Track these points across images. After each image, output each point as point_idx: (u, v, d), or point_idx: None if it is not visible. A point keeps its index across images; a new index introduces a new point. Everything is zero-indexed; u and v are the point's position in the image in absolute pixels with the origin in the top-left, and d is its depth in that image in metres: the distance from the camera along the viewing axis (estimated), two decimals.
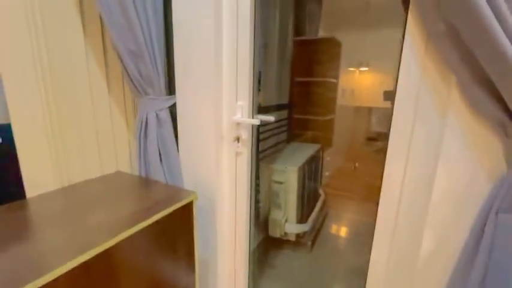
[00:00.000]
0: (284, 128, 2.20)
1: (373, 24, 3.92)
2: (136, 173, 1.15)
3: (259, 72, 1.81)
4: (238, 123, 1.01)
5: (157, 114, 1.06)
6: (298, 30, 2.49)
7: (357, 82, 4.26)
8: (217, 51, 0.94)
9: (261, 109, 1.78)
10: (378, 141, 3.22)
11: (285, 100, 2.17)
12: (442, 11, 0.60)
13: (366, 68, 4.20)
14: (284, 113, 2.18)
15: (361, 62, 4.21)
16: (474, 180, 0.69)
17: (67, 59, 0.96)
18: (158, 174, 1.09)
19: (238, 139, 1.03)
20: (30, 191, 0.89)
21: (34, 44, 0.88)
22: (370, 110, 3.93)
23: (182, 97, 1.05)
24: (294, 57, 2.31)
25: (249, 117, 1.00)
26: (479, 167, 0.68)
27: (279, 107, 2.04)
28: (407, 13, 0.75)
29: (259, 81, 2.13)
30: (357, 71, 4.26)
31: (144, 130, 1.07)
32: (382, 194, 0.83)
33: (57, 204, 0.83)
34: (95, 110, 1.07)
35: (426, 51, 0.71)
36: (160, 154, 1.08)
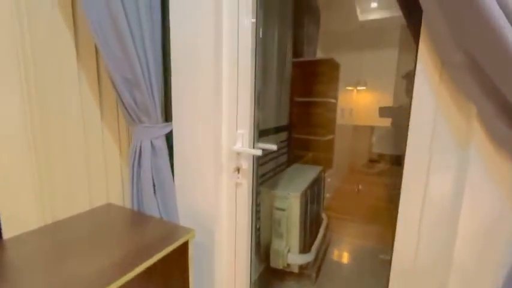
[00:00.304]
0: (284, 150, 2.14)
1: (368, 45, 4.01)
2: (129, 204, 1.07)
3: (258, 94, 1.77)
4: (238, 153, 0.94)
5: (152, 143, 0.99)
6: (296, 51, 2.50)
7: (355, 101, 4.27)
8: (216, 78, 0.90)
9: (260, 132, 1.73)
10: (380, 163, 3.16)
11: (284, 122, 2.12)
12: (461, 41, 0.56)
13: (364, 87, 4.23)
14: (284, 135, 2.13)
15: (359, 81, 4.26)
16: (503, 218, 0.62)
17: (57, 83, 0.90)
18: (151, 207, 1.01)
19: (238, 170, 0.96)
20: (7, 230, 0.80)
21: (22, 68, 0.82)
22: (369, 129, 3.91)
23: (179, 125, 1.00)
24: (293, 79, 2.30)
25: (250, 147, 0.93)
26: (508, 204, 0.61)
27: (278, 129, 2.00)
28: (416, 38, 0.71)
29: (258, 103, 2.10)
30: (355, 90, 4.29)
31: (137, 159, 1.00)
32: (397, 237, 0.75)
33: (38, 247, 0.74)
34: (86, 136, 1.00)
35: (441, 80, 0.66)
36: (154, 185, 1.01)
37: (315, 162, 2.60)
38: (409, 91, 0.74)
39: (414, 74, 0.70)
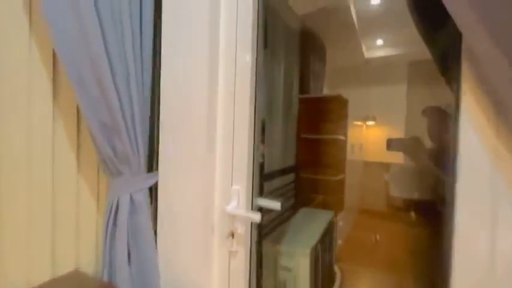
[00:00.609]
0: (290, 193, 1.94)
1: (375, 81, 3.97)
2: (100, 272, 0.88)
3: (263, 131, 1.64)
4: (233, 216, 0.77)
5: (131, 197, 0.83)
6: (303, 88, 2.42)
7: (365, 136, 4.11)
8: (209, 125, 0.76)
9: (264, 176, 1.57)
10: (398, 208, 2.87)
11: (291, 162, 1.96)
12: None
13: (373, 122, 4.10)
14: (291, 177, 1.95)
15: (367, 116, 4.14)
16: None
17: (25, 123, 0.77)
18: (124, 278, 0.82)
19: (232, 234, 0.78)
20: None
21: None
22: (381, 166, 3.68)
23: (166, 176, 0.84)
24: (300, 116, 2.19)
25: (247, 206, 0.76)
26: None
27: (285, 171, 1.82)
28: (447, 72, 0.57)
29: (263, 142, 1.96)
30: (364, 125, 4.16)
31: (113, 217, 0.83)
32: None
33: None
34: (56, 187, 0.85)
35: (492, 114, 0.50)
36: (129, 251, 0.83)
37: (325, 205, 2.37)
38: (433, 129, 0.59)
39: (436, 109, 0.55)
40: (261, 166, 1.58)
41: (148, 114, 0.87)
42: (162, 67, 0.83)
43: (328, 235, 1.79)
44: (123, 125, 0.77)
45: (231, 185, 0.77)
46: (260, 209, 0.85)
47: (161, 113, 0.84)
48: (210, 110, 0.76)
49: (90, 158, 0.94)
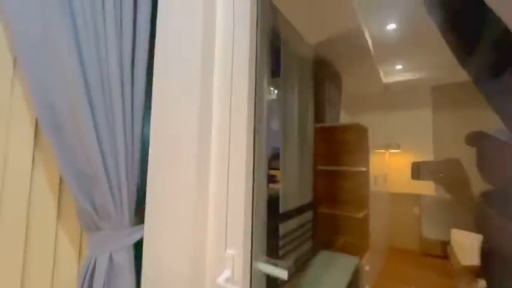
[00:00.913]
0: (308, 234, 1.73)
1: (395, 107, 3.78)
2: None
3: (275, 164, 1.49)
4: None
5: (111, 257, 0.70)
6: (318, 117, 2.30)
7: (389, 166, 3.82)
8: (199, 174, 0.63)
9: (279, 217, 1.40)
10: (434, 254, 2.47)
11: (308, 199, 1.77)
12: None
13: (397, 150, 3.82)
14: (308, 215, 1.75)
15: (390, 143, 3.88)
16: None
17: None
18: None
19: None
20: None
21: None
22: (411, 198, 3.34)
23: (151, 230, 0.71)
24: (316, 147, 2.03)
25: (244, 277, 0.60)
26: None
27: (301, 209, 1.64)
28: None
29: (272, 180, 1.81)
30: (387, 154, 3.89)
31: (88, 282, 0.70)
32: None
33: None
34: (30, 238, 0.73)
35: None
36: None
37: (347, 246, 2.10)
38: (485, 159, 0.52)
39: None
40: (275, 205, 1.43)
41: (137, 158, 0.76)
42: (152, 107, 0.73)
43: (353, 286, 1.53)
44: (102, 175, 0.67)
45: (225, 249, 0.61)
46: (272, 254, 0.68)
47: (149, 155, 0.73)
48: (201, 147, 0.64)
49: (72, 207, 0.84)
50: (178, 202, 0.65)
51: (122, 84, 0.70)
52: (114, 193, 0.69)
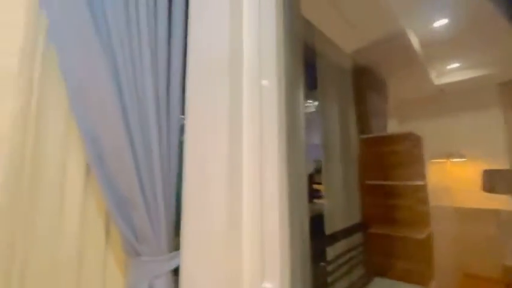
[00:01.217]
0: (359, 258, 1.56)
1: (453, 110, 3.35)
2: None
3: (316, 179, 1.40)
4: None
5: (151, 285, 0.70)
6: (362, 128, 2.14)
7: (451, 177, 3.35)
8: (231, 202, 0.60)
9: (326, 239, 1.28)
10: None
11: (356, 219, 1.62)
12: None
13: (461, 159, 3.34)
14: (358, 237, 1.59)
15: (451, 152, 3.43)
16: None
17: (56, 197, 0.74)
18: None
19: None
20: None
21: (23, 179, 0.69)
22: (483, 215, 2.84)
23: (187, 257, 0.69)
24: (363, 160, 1.88)
25: None
26: None
27: (348, 232, 1.49)
28: None
29: (316, 195, 1.70)
30: (448, 163, 3.42)
31: None
32: None
33: None
34: (80, 271, 0.77)
35: None
36: None
37: (407, 273, 1.83)
38: None
39: None
40: (320, 226, 1.32)
41: (174, 182, 0.77)
42: (185, 137, 0.74)
43: None
44: (140, 199, 0.68)
45: (262, 282, 0.56)
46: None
47: (183, 182, 0.73)
48: (231, 171, 0.61)
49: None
50: (211, 229, 0.62)
51: (159, 117, 0.73)
52: (152, 217, 0.70)
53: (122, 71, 0.68)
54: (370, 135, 2.17)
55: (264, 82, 0.70)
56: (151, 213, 0.70)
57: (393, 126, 2.40)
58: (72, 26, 0.64)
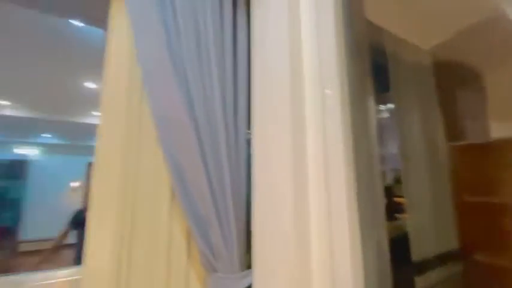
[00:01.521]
0: None
1: None
2: None
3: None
4: None
5: None
6: (454, 134, 1.82)
7: None
8: (297, 206, 0.59)
9: (413, 268, 1.10)
10: None
11: (451, 244, 1.36)
12: None
13: None
14: (455, 266, 1.32)
15: None
16: None
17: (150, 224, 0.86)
18: None
19: None
20: None
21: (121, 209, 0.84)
22: None
23: (259, 277, 0.71)
24: (458, 172, 1.58)
25: None
26: None
27: (441, 259, 1.26)
28: None
29: (393, 209, 1.50)
30: None
31: None
32: None
33: None
34: (169, 276, 0.85)
35: None
36: None
37: None
38: None
39: None
40: (404, 250, 1.15)
41: (244, 199, 0.81)
42: (252, 156, 0.78)
43: None
44: (214, 217, 0.74)
45: None
46: None
47: (252, 199, 0.76)
48: (296, 184, 0.61)
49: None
50: (280, 249, 0.62)
51: (228, 136, 0.79)
52: (225, 235, 0.75)
53: (196, 102, 0.77)
54: (465, 143, 1.82)
55: (327, 92, 0.69)
56: (224, 231, 0.75)
57: (496, 130, 1.95)
58: (158, 73, 0.76)
